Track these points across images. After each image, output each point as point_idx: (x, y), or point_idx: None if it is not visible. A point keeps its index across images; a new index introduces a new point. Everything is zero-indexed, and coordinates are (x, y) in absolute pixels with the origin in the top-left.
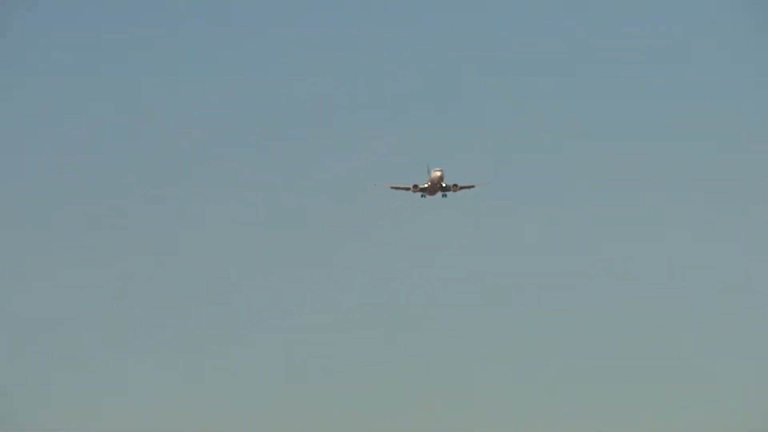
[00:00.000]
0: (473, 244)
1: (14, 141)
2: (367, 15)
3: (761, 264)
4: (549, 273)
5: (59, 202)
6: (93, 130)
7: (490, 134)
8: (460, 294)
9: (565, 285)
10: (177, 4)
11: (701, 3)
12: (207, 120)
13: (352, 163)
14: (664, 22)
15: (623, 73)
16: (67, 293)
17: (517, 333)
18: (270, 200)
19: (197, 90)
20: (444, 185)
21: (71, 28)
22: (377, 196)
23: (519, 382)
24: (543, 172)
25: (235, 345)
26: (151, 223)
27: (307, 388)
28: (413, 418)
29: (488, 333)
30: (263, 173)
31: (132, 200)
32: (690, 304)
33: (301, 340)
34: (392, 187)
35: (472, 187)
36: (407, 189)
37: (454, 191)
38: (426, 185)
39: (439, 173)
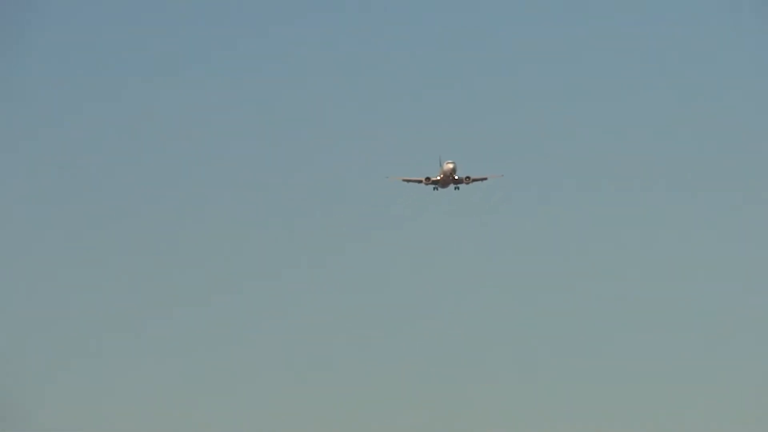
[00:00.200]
0: (480, 242)
1: (14, 141)
2: (367, 15)
3: (761, 264)
4: (556, 270)
5: (59, 202)
6: (93, 130)
7: (499, 129)
8: (466, 292)
9: (574, 283)
10: (176, 4)
11: (701, 3)
12: (207, 120)
13: (361, 160)
14: (664, 22)
15: (623, 73)
16: (67, 293)
17: (521, 332)
18: (270, 200)
19: (197, 90)
20: (456, 177)
21: (71, 28)
22: (389, 188)
23: (519, 382)
24: (550, 169)
25: (235, 345)
26: (151, 222)
27: (308, 389)
28: (413, 418)
29: (496, 331)
30: (263, 173)
31: (132, 200)
32: (694, 304)
33: (301, 340)
34: (404, 180)
35: (485, 179)
36: (419, 182)
37: (467, 183)
38: (438, 178)
39: (451, 165)
